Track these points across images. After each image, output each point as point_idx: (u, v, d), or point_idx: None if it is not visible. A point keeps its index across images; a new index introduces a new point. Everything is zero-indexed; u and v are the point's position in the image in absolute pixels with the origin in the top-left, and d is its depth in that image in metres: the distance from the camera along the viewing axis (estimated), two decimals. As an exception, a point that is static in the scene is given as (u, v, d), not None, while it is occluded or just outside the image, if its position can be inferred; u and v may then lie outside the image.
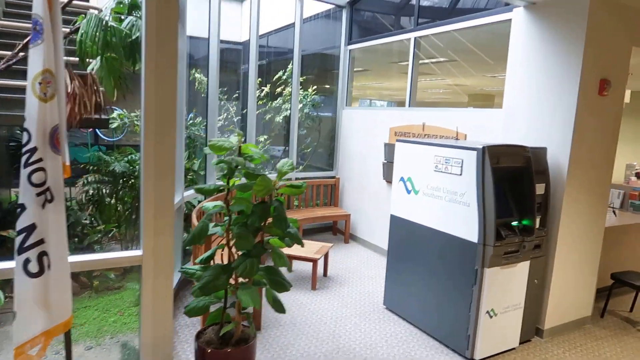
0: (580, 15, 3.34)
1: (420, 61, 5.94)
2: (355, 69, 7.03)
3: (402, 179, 3.83)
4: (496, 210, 3.10)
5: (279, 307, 2.62)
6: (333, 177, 6.41)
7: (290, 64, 6.04)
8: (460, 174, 3.25)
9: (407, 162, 3.79)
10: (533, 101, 3.70)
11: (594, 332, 3.89)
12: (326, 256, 4.79)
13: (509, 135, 3.89)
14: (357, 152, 6.06)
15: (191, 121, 5.08)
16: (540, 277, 3.52)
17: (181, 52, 3.75)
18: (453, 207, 3.32)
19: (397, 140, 3.89)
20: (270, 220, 2.51)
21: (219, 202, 2.56)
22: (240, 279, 2.52)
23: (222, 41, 5.07)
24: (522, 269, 3.35)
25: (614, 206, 5.52)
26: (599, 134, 3.62)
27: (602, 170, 3.73)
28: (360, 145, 5.97)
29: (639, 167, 5.99)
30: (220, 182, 2.57)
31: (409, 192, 3.75)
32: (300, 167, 6.59)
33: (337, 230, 6.38)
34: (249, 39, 5.21)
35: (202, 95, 5.70)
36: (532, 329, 3.62)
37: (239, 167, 2.44)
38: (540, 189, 3.40)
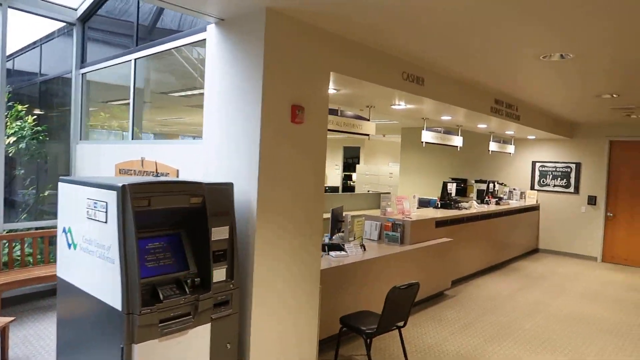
0: (259, 34, 2.96)
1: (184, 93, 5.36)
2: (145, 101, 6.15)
3: (64, 229, 2.95)
4: (140, 267, 2.40)
5: None
6: (65, 226, 5.23)
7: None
8: (106, 221, 2.50)
9: (68, 207, 2.93)
10: (225, 130, 3.20)
11: (319, 389, 3.44)
12: (3, 335, 3.61)
13: (209, 169, 3.32)
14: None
15: None
16: (233, 339, 2.91)
17: None
18: (102, 265, 2.54)
19: (60, 180, 3.02)
20: None
21: None
22: None
23: None
24: (200, 334, 2.69)
25: (363, 239, 5.42)
26: (300, 165, 3.25)
27: (309, 205, 3.36)
28: (93, 186, 4.96)
29: (395, 198, 6.10)
30: None
31: (69, 246, 2.89)
32: (24, 216, 5.29)
33: (73, 291, 5.17)
34: None
35: None
36: (230, 404, 2.97)
37: None
38: (221, 233, 2.83)
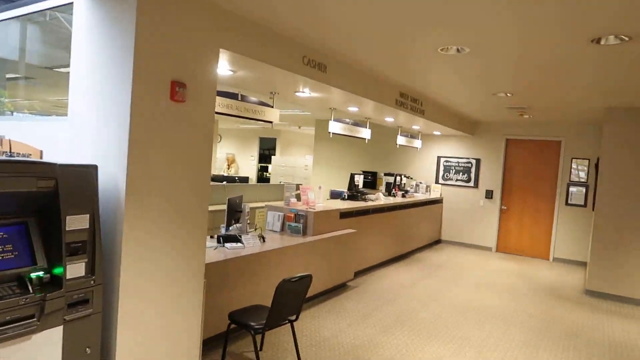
0: (131, -4, 2.61)
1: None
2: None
3: None
4: (-36, 262, 2.00)
5: None
6: None
7: None
8: None
9: None
10: (92, 106, 2.81)
11: (202, 391, 3.18)
12: None
13: (74, 151, 2.91)
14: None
15: None
16: (94, 343, 2.56)
17: None
18: None
19: None
20: None
21: None
22: None
23: None
24: (49, 339, 2.32)
25: (266, 230, 5.23)
26: (180, 146, 2.95)
27: (192, 192, 3.07)
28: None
29: (300, 189, 5.96)
30: None
31: None
32: None
33: None
34: None
35: None
36: (90, 416, 2.62)
37: None
38: (80, 221, 2.47)
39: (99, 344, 2.58)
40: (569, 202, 8.57)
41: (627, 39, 3.26)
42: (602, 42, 3.37)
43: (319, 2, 3.00)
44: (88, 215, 2.49)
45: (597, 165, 7.14)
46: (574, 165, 8.54)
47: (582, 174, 8.46)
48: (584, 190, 8.42)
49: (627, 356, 4.35)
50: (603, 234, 6.46)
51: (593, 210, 6.88)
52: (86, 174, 2.52)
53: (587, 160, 8.39)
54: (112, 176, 2.67)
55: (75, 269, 2.42)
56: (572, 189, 8.52)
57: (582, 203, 8.44)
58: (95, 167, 2.56)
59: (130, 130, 2.60)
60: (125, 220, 2.63)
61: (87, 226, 2.49)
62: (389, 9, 3.03)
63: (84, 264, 2.47)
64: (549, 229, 8.81)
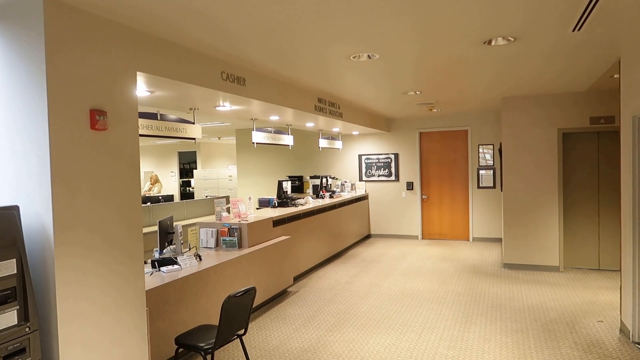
0: (37, 28, 2.50)
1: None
2: None
3: None
4: None
5: None
6: None
7: None
8: None
9: None
10: (5, 142, 2.65)
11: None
12: None
13: (-13, 192, 2.73)
14: None
15: None
16: (35, 392, 2.44)
17: None
18: None
19: None
20: None
21: None
22: None
23: None
24: (-15, 397, 2.18)
25: (200, 248, 5.17)
26: (108, 176, 2.86)
27: (124, 221, 2.99)
28: None
29: (230, 202, 5.94)
30: None
31: None
32: None
33: None
34: None
35: None
36: None
37: None
38: (6, 267, 2.33)
39: (41, 392, 2.45)
40: (480, 185, 9.33)
41: (512, 39, 3.69)
42: (493, 43, 3.78)
43: (227, 20, 3.06)
44: (15, 260, 2.36)
45: (500, 150, 7.86)
46: (481, 151, 9.31)
47: (489, 157, 9.25)
48: (491, 172, 9.22)
49: (543, 317, 4.88)
50: (511, 211, 7.14)
51: (501, 190, 7.57)
52: (7, 217, 2.38)
53: (492, 145, 9.19)
54: (35, 215, 2.54)
55: (6, 318, 2.29)
56: (482, 172, 9.29)
57: (492, 185, 9.23)
58: (15, 209, 2.42)
59: (51, 165, 2.50)
60: (55, 259, 2.52)
61: (15, 271, 2.35)
62: (302, 23, 3.17)
63: (15, 311, 2.34)
64: (466, 211, 9.53)
